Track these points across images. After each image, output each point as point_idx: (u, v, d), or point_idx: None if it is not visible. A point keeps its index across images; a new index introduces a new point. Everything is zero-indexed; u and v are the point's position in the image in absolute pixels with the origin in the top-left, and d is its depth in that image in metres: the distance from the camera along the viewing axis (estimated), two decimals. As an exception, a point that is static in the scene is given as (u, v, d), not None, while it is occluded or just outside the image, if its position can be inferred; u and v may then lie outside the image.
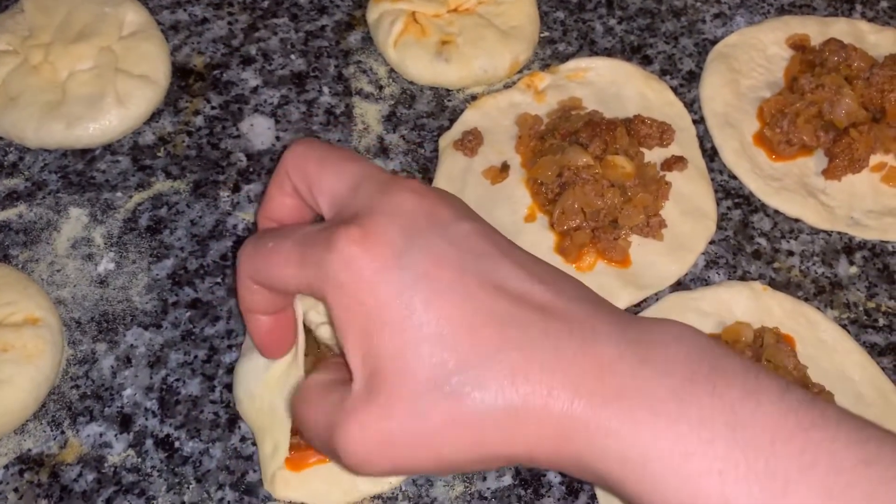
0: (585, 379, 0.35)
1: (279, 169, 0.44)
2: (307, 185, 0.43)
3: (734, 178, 0.70)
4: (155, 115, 0.70)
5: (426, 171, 0.69)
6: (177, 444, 0.57)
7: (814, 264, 0.66)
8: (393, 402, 0.36)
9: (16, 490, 0.55)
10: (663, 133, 0.68)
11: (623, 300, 0.62)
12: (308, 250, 0.39)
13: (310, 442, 0.41)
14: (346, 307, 0.37)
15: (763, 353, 0.57)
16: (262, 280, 0.42)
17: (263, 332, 0.46)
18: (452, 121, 0.71)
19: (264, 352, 0.48)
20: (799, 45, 0.76)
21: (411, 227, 0.38)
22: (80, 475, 0.55)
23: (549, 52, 0.76)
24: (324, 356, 0.50)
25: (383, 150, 0.69)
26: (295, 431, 0.52)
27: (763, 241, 0.67)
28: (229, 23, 0.76)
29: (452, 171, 0.68)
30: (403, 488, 0.55)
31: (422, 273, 0.36)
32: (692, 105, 0.74)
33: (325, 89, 0.73)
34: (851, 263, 0.66)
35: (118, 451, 0.56)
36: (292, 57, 0.74)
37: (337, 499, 0.55)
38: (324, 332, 0.47)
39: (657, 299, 0.63)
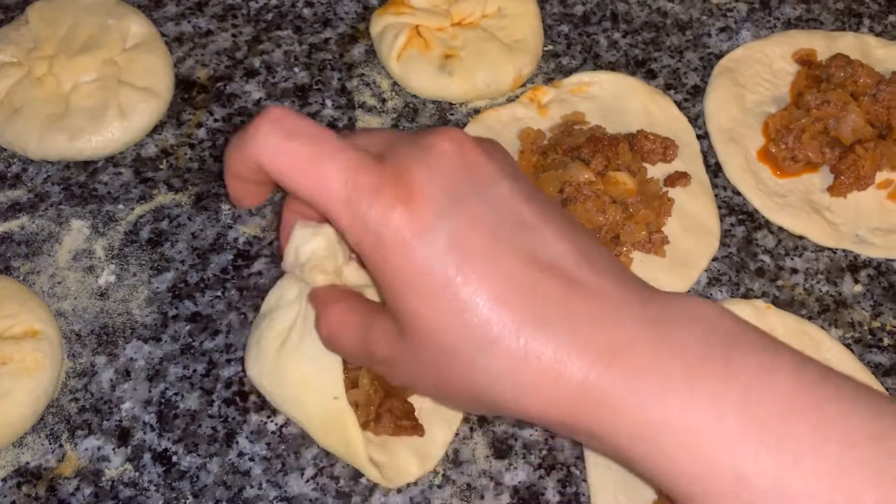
0: (600, 357, 0.36)
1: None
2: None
3: (738, 194, 0.69)
4: (157, 128, 0.70)
5: (428, 185, 0.68)
6: (174, 458, 0.57)
7: (818, 282, 0.66)
8: (419, 353, 0.40)
9: (13, 503, 0.55)
10: (666, 148, 0.68)
11: (624, 317, 0.62)
12: (354, 196, 0.39)
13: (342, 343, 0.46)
14: (383, 266, 0.39)
15: (765, 374, 0.57)
16: (286, 181, 0.41)
17: (241, 197, 0.47)
18: (455, 134, 0.71)
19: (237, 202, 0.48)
20: (805, 60, 0.75)
21: (452, 187, 0.39)
22: (77, 489, 0.55)
23: (553, 66, 0.76)
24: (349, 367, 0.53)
25: (385, 164, 0.69)
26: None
27: (767, 259, 0.66)
28: (233, 35, 0.76)
29: (454, 186, 0.67)
30: (400, 506, 0.55)
31: (456, 240, 0.38)
32: (696, 120, 0.73)
33: (329, 102, 0.73)
34: (856, 282, 0.66)
35: (116, 465, 0.56)
36: (296, 70, 0.74)
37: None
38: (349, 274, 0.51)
39: (659, 316, 0.63)
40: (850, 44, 0.77)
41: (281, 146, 0.40)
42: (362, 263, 0.47)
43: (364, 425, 0.54)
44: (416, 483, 0.56)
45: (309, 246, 0.49)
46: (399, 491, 0.56)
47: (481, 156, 0.41)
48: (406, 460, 0.56)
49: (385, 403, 0.55)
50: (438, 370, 0.40)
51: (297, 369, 0.52)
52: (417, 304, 0.38)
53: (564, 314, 0.37)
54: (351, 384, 0.53)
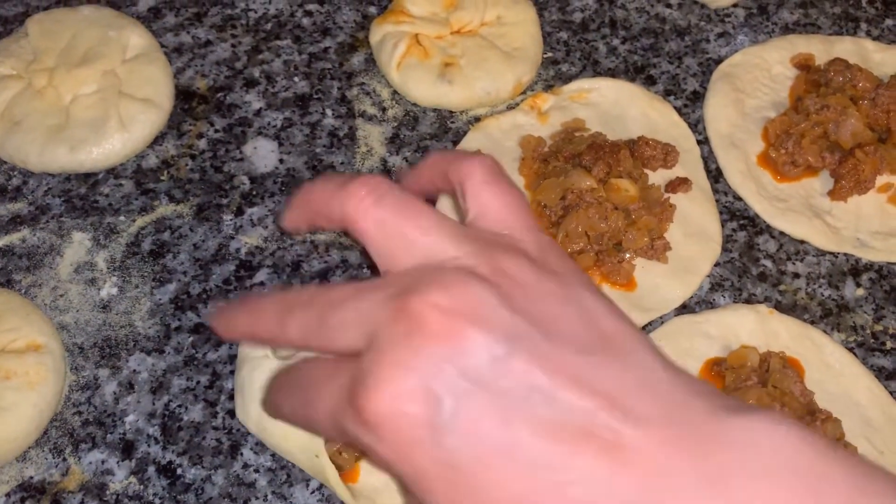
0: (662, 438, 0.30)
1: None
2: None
3: (739, 199, 0.69)
4: (158, 139, 0.70)
5: (429, 193, 0.68)
6: (179, 471, 0.56)
7: (820, 286, 0.66)
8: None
9: (17, 518, 0.55)
10: (667, 155, 0.68)
11: (627, 324, 0.62)
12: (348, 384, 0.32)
13: (313, 422, 0.36)
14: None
15: (769, 379, 0.57)
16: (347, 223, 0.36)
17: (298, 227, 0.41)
18: (455, 143, 0.71)
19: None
20: (804, 65, 0.75)
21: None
22: (81, 503, 0.55)
23: (553, 73, 0.76)
24: None
25: (386, 173, 0.69)
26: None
27: (769, 263, 0.66)
28: (233, 45, 0.76)
29: (456, 194, 0.68)
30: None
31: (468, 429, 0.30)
32: (696, 125, 0.73)
33: (329, 111, 0.73)
34: (858, 285, 0.66)
35: (120, 479, 0.56)
36: (295, 79, 0.74)
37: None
38: None
39: (662, 322, 0.63)
40: (848, 48, 0.77)
41: (371, 212, 0.35)
42: None
43: (359, 457, 0.55)
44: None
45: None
46: None
47: (554, 245, 0.35)
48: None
49: None
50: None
51: (278, 426, 0.54)
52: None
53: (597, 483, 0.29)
54: None
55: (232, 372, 0.60)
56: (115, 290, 0.63)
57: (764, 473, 0.30)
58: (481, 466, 0.30)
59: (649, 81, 0.76)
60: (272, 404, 0.37)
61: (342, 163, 0.70)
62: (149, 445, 0.57)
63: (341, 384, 0.32)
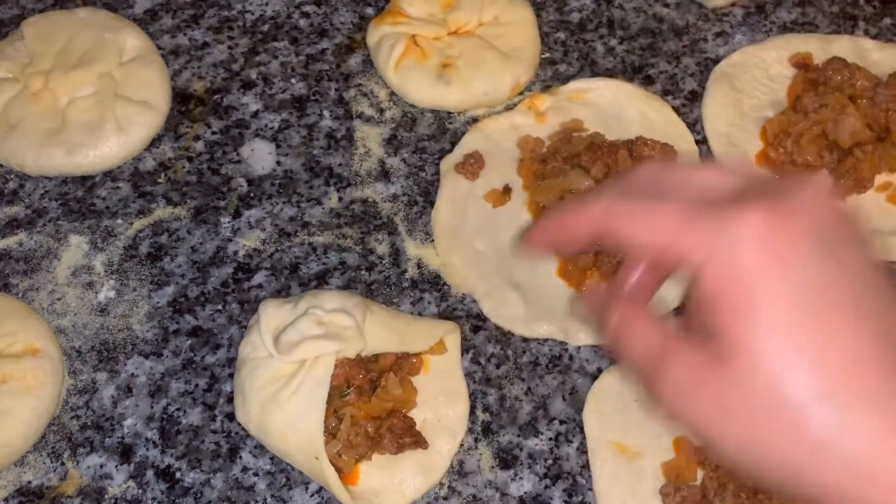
0: None
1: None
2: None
3: (738, 198, 0.69)
4: (155, 141, 0.70)
5: (427, 194, 0.68)
6: (178, 474, 0.56)
7: (820, 286, 0.65)
8: (739, 391, 0.35)
9: (15, 523, 0.54)
10: (666, 154, 0.68)
11: (627, 325, 0.62)
12: (702, 213, 0.36)
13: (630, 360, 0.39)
14: (728, 285, 0.35)
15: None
16: (619, 223, 0.39)
17: (539, 242, 0.44)
18: (454, 143, 0.71)
19: (533, 244, 0.45)
20: (802, 64, 0.75)
21: (822, 230, 0.35)
22: (80, 508, 0.55)
23: (551, 74, 0.75)
24: (338, 406, 0.54)
25: (384, 174, 0.69)
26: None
27: (768, 263, 0.66)
28: (229, 47, 0.76)
29: (454, 195, 0.67)
30: (406, 519, 0.55)
31: (820, 285, 0.34)
32: (695, 125, 0.73)
33: (326, 113, 0.72)
34: (858, 285, 0.66)
35: (119, 483, 0.56)
36: (293, 81, 0.74)
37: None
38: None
39: (661, 323, 0.63)
40: (846, 47, 0.77)
41: (616, 206, 0.39)
42: None
43: (358, 459, 0.55)
44: (421, 496, 0.56)
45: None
46: (405, 504, 0.55)
47: (846, 213, 0.37)
48: (410, 480, 0.56)
49: (385, 423, 0.55)
50: (757, 416, 0.34)
51: (279, 429, 0.54)
52: (756, 333, 0.34)
53: None
54: (331, 436, 0.54)
55: (230, 375, 0.60)
56: (112, 294, 0.63)
57: None
58: (823, 313, 0.34)
59: (647, 81, 0.76)
60: (609, 194, 0.39)
61: (340, 164, 0.70)
62: (147, 449, 0.57)
63: (711, 200, 0.36)
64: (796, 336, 0.34)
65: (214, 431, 0.58)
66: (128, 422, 0.58)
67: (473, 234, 0.66)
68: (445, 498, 0.56)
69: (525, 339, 0.62)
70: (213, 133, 0.71)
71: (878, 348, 0.34)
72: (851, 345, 0.33)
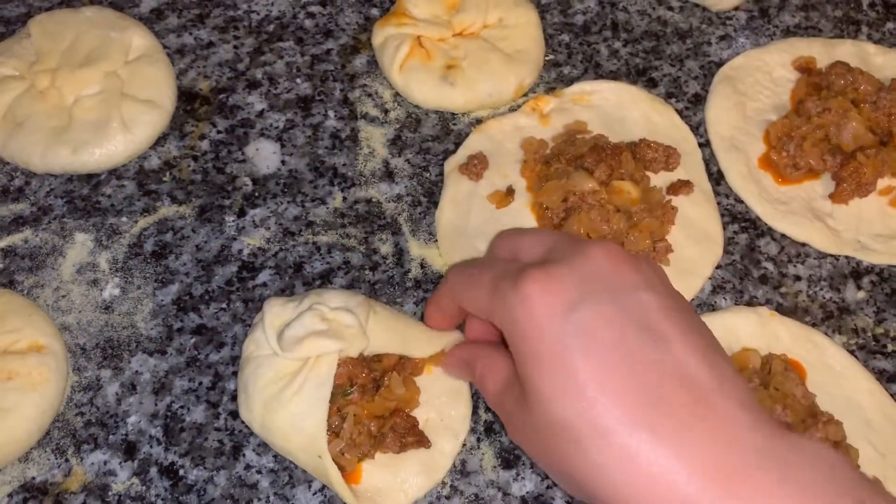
0: (715, 480, 0.36)
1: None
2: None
3: (740, 201, 0.70)
4: (160, 140, 0.70)
5: (431, 195, 0.69)
6: (181, 471, 0.57)
7: (821, 289, 0.66)
8: (535, 422, 0.42)
9: (19, 519, 0.55)
10: (669, 157, 0.68)
11: (629, 326, 0.62)
12: (499, 284, 0.44)
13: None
14: (517, 339, 0.43)
15: (771, 381, 0.57)
16: (457, 298, 0.50)
17: (435, 323, 0.56)
18: (458, 144, 0.71)
19: (431, 326, 0.57)
20: (805, 68, 0.75)
21: (589, 285, 0.42)
22: (84, 504, 0.55)
23: (555, 76, 0.76)
24: (341, 405, 0.55)
25: (389, 174, 0.69)
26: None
27: (770, 266, 0.67)
28: (235, 47, 0.76)
29: (458, 196, 0.68)
30: (409, 518, 0.55)
31: (584, 329, 0.40)
32: (698, 128, 0.73)
33: (331, 113, 0.73)
34: (859, 288, 0.66)
35: (122, 480, 0.56)
36: (298, 81, 0.74)
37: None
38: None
39: (664, 325, 0.63)
40: (849, 51, 0.77)
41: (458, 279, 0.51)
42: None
43: (361, 458, 0.55)
44: (423, 495, 0.56)
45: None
46: (407, 502, 0.56)
47: (629, 266, 0.43)
48: (412, 479, 0.56)
49: (388, 422, 0.55)
50: (548, 444, 0.41)
51: (282, 427, 0.54)
52: (539, 378, 0.41)
53: (684, 427, 0.37)
54: (334, 434, 0.54)
55: (234, 373, 0.60)
56: (117, 291, 0.63)
57: (816, 466, 0.36)
58: (589, 354, 0.40)
59: (651, 84, 0.76)
60: (449, 274, 0.51)
61: (344, 164, 0.70)
62: (151, 446, 0.57)
63: (513, 268, 0.44)
64: (566, 377, 0.40)
65: (218, 429, 0.58)
66: (132, 419, 0.58)
67: (476, 235, 0.66)
68: (448, 497, 0.56)
69: (528, 340, 0.62)
70: (219, 132, 0.71)
71: (648, 378, 0.39)
72: (620, 379, 0.39)
